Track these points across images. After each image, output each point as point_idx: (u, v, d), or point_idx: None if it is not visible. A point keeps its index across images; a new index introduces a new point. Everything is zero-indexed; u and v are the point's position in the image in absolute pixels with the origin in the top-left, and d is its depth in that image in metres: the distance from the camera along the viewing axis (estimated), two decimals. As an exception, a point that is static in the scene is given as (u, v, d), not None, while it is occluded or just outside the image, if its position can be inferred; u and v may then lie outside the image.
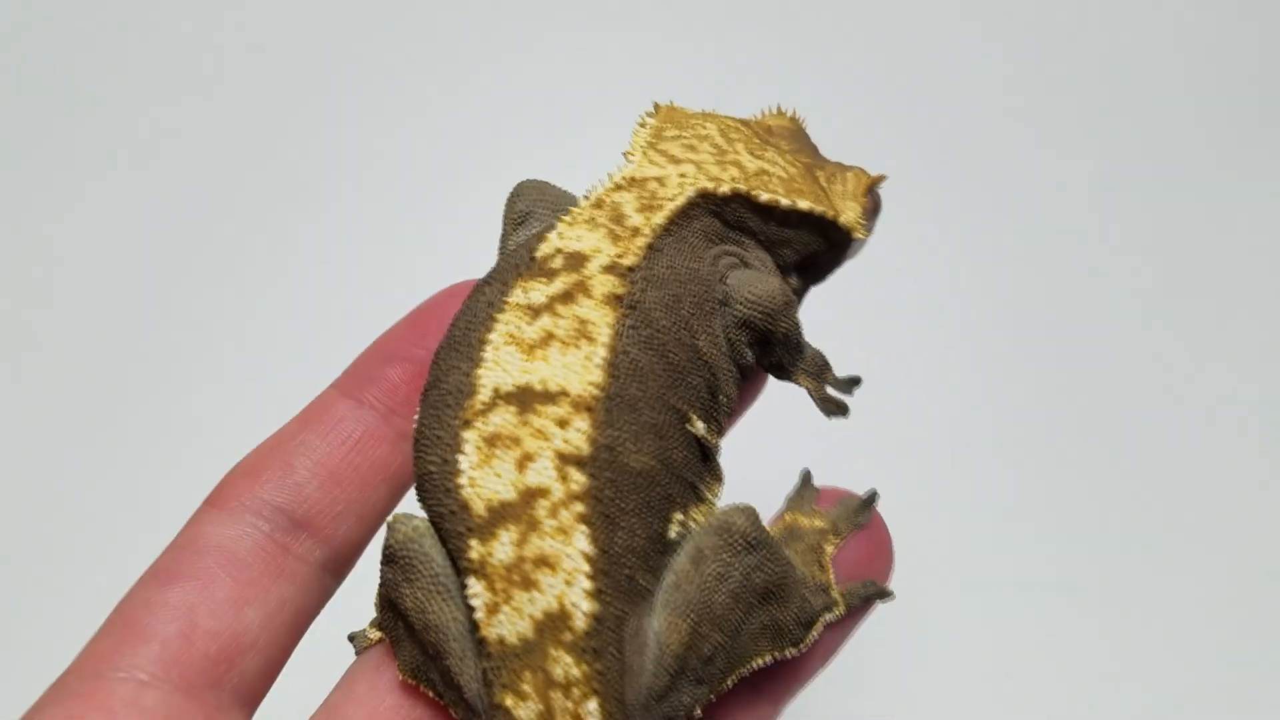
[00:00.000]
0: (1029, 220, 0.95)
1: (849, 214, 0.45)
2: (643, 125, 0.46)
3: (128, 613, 0.39)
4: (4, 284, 0.92)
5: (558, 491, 0.35)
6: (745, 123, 0.47)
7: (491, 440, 0.36)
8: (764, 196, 0.42)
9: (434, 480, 0.37)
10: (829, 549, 0.42)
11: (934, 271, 0.93)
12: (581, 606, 0.35)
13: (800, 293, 0.47)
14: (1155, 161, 0.98)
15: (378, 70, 1.00)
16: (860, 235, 0.45)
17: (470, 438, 0.37)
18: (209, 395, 0.87)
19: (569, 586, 0.35)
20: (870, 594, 0.42)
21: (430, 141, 0.97)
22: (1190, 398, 0.88)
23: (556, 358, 0.37)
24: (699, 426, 0.39)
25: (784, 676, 0.42)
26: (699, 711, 0.37)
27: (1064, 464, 0.86)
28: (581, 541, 0.35)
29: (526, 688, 0.35)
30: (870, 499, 0.43)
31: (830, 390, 0.45)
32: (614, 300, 0.38)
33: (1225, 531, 0.83)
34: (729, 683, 0.38)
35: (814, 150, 0.49)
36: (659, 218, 0.40)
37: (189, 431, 0.85)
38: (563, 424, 0.36)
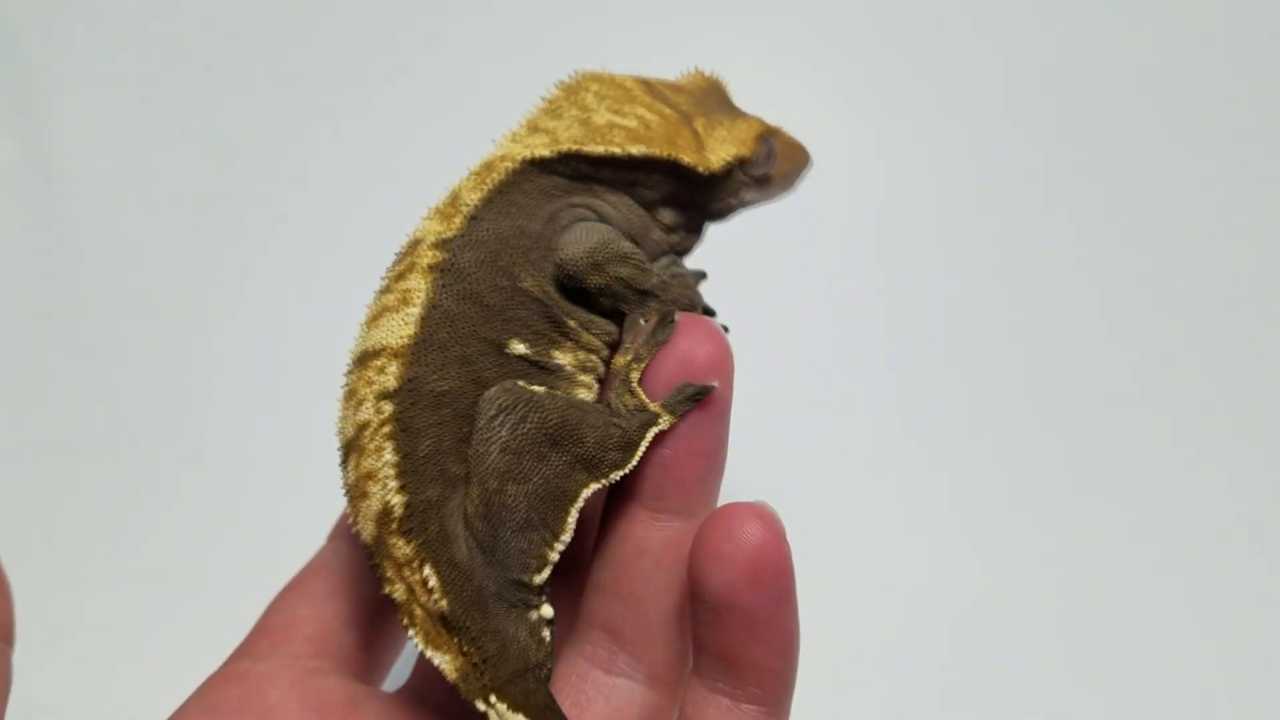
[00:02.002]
0: (1012, 210, 0.98)
1: (708, 155, 0.50)
2: (543, 98, 0.53)
3: (259, 620, 0.54)
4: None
5: (374, 421, 0.46)
6: (644, 82, 0.53)
7: (345, 395, 0.48)
8: (591, 148, 0.49)
9: None
10: (634, 375, 0.47)
11: (915, 251, 0.96)
12: (394, 500, 0.45)
13: (684, 227, 0.52)
14: (1139, 156, 1.00)
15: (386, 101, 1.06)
16: (704, 170, 0.50)
17: (340, 397, 0.48)
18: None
19: (383, 488, 0.45)
20: (689, 394, 0.46)
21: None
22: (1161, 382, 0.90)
23: (385, 323, 0.47)
24: (519, 348, 0.47)
25: (675, 493, 0.46)
26: (553, 553, 0.45)
27: (1049, 458, 0.87)
28: (388, 453, 0.45)
29: (389, 573, 0.45)
30: (665, 318, 0.47)
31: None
32: (431, 269, 0.47)
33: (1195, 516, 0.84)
34: (567, 519, 0.45)
35: (721, 105, 0.54)
36: (480, 192, 0.48)
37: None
38: (381, 370, 0.46)
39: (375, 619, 0.54)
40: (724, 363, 0.47)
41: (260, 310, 0.99)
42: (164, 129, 1.06)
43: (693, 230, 0.53)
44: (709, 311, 0.51)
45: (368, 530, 0.45)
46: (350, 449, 0.46)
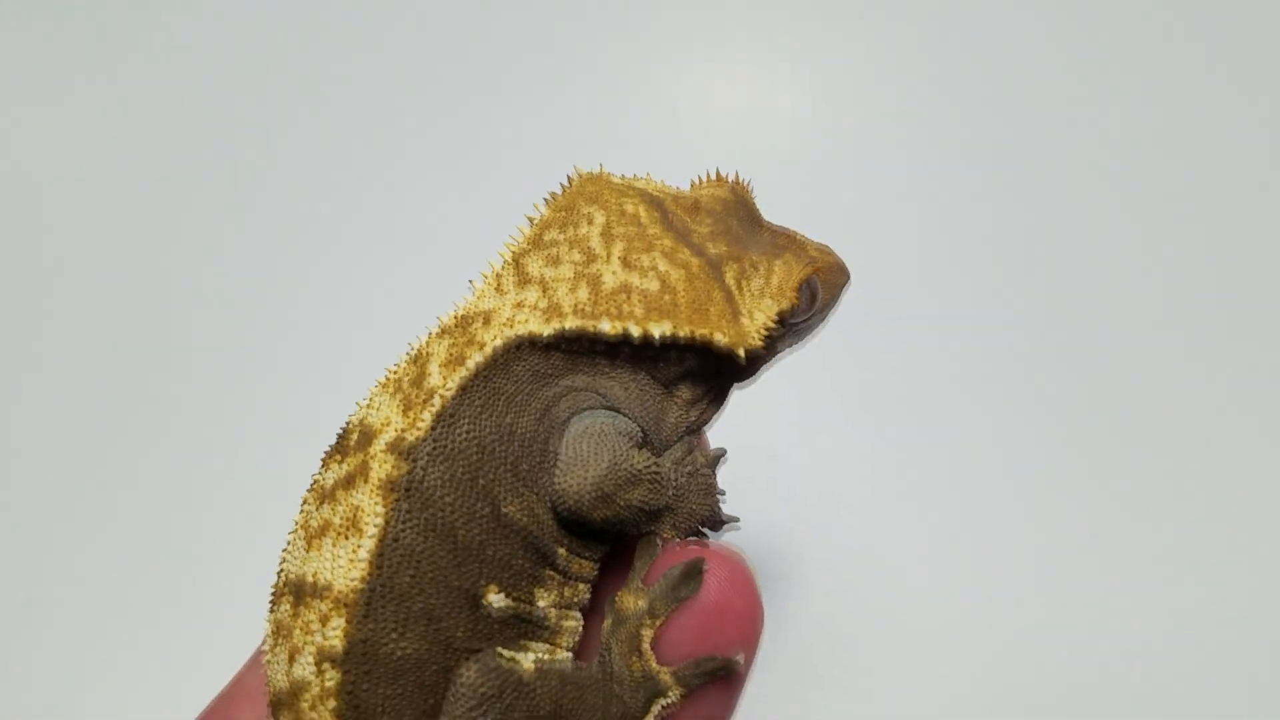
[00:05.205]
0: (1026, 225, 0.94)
1: (744, 326, 0.40)
2: (531, 220, 0.43)
3: None
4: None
5: (315, 687, 0.36)
6: (658, 203, 0.42)
7: (276, 630, 0.38)
8: (606, 327, 0.39)
9: None
10: (647, 634, 0.39)
11: (938, 279, 0.92)
12: None
13: (706, 398, 0.43)
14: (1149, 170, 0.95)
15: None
16: (743, 353, 0.40)
17: (269, 623, 0.39)
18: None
19: None
20: (708, 670, 0.39)
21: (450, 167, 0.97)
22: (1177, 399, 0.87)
23: (329, 550, 0.37)
24: (496, 600, 0.38)
25: None
26: None
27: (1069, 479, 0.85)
28: None
29: None
30: (692, 569, 0.39)
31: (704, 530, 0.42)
32: (388, 485, 0.37)
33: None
34: None
35: (749, 226, 0.43)
36: (456, 377, 0.38)
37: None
38: (324, 620, 0.36)
39: None
40: (753, 628, 0.39)
41: (257, 311, 0.95)
42: (160, 131, 1.00)
43: (716, 401, 0.43)
44: (730, 521, 0.42)
45: None
46: (281, 704, 0.38)
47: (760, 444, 0.77)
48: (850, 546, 0.82)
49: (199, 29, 1.02)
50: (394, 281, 0.92)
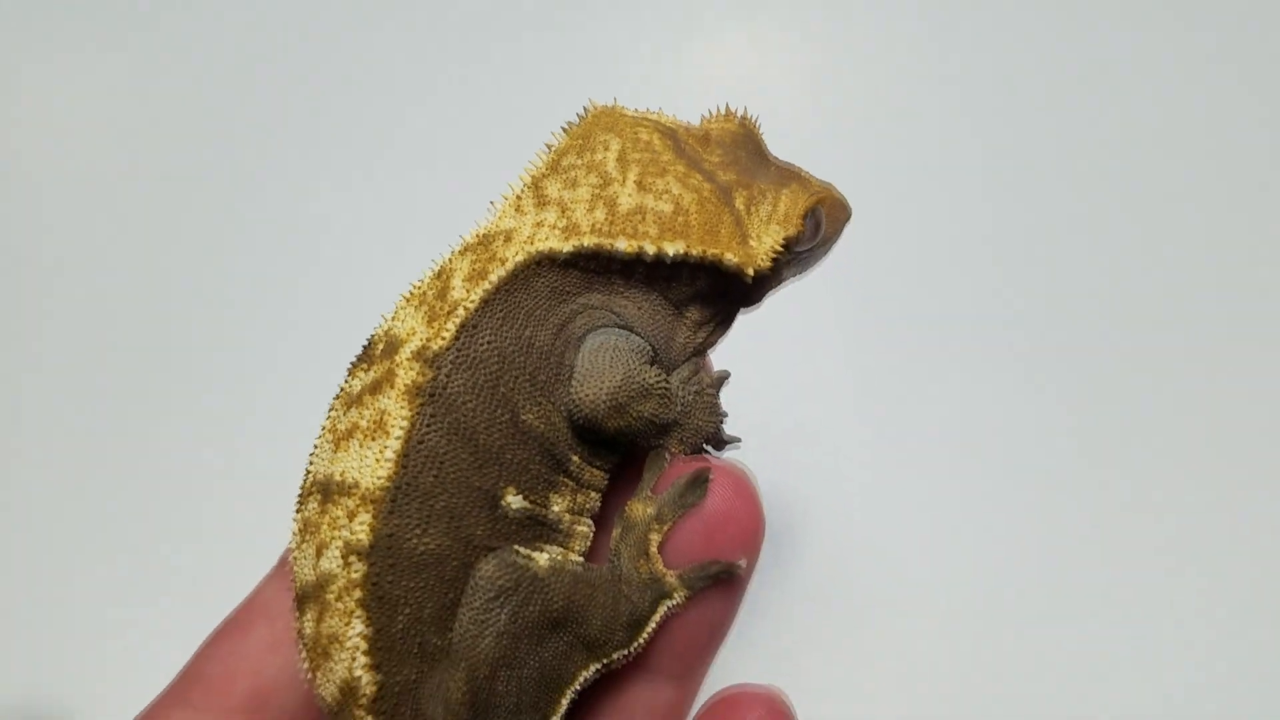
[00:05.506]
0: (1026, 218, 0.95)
1: (753, 248, 0.42)
2: (549, 147, 0.45)
3: (192, 661, 0.46)
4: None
5: (341, 579, 0.38)
6: (671, 133, 0.44)
7: (304, 526, 0.40)
8: (622, 245, 0.41)
9: None
10: (654, 538, 0.41)
11: (939, 265, 0.92)
12: (363, 678, 0.38)
13: (714, 320, 0.45)
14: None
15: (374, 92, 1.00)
16: (752, 270, 0.42)
17: (296, 521, 0.40)
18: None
19: (352, 661, 0.38)
20: (712, 573, 0.41)
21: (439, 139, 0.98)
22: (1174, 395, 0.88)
23: (356, 450, 0.39)
24: (514, 501, 0.40)
25: (672, 658, 0.43)
26: None
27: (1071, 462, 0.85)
28: (358, 624, 0.38)
29: None
30: (698, 478, 0.42)
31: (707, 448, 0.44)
32: (414, 391, 0.39)
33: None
34: (560, 702, 0.40)
35: (757, 159, 0.45)
36: (479, 290, 0.40)
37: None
38: (351, 516, 0.38)
39: None
40: (755, 537, 0.41)
41: (257, 311, 0.95)
42: (159, 130, 1.01)
43: (723, 324, 0.45)
44: (732, 440, 0.45)
45: (329, 692, 0.39)
46: (308, 596, 0.39)
47: (761, 424, 0.77)
48: (849, 525, 0.82)
49: (199, 28, 1.03)
50: (395, 282, 0.92)
